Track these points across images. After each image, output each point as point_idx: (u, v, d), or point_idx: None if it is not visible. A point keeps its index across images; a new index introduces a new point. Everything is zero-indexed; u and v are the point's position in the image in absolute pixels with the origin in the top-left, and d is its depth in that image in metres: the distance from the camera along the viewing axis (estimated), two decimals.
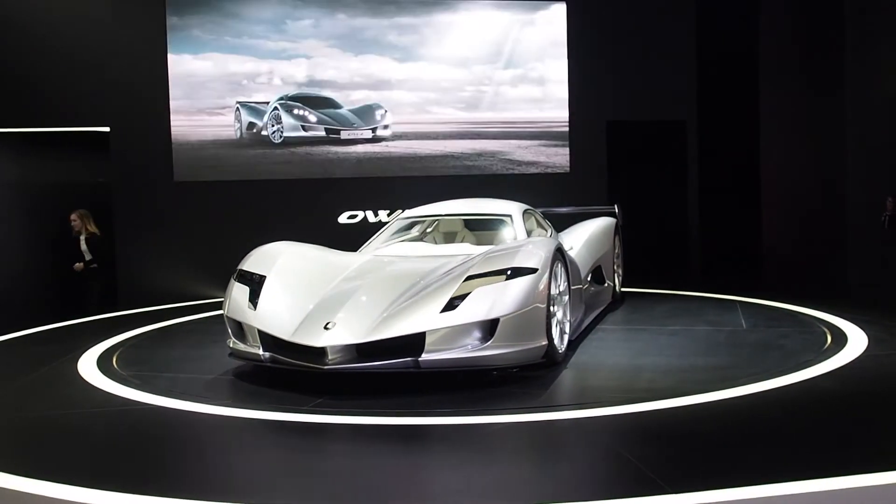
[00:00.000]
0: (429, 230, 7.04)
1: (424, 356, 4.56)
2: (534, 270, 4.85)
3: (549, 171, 10.38)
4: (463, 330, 4.61)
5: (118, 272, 9.36)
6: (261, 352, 4.91)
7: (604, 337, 6.17)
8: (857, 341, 5.69)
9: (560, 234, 7.46)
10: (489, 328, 4.64)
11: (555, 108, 10.44)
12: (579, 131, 10.48)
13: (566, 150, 10.45)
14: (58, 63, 9.25)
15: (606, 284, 7.37)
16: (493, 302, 4.66)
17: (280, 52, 9.72)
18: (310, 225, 9.26)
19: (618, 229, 8.06)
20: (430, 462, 3.70)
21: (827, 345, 5.63)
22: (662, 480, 3.12)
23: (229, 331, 5.22)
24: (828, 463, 3.26)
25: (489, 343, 4.62)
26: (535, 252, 5.01)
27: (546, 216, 8.04)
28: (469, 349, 4.61)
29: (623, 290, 8.09)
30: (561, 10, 10.38)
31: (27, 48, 9.17)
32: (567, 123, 10.39)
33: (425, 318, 4.64)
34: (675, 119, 10.74)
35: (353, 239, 7.10)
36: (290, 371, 4.79)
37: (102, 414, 4.39)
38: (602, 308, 7.17)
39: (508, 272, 4.82)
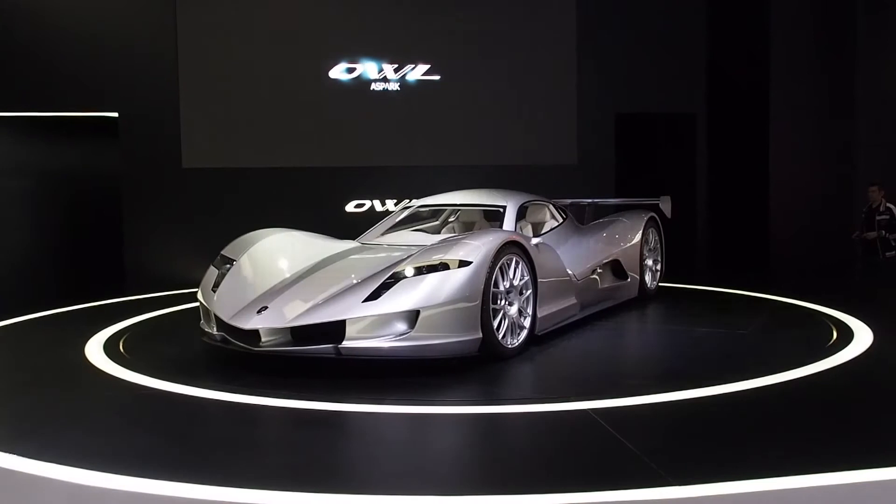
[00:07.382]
0: (450, 219, 7.10)
1: (345, 343, 4.62)
2: (468, 264, 4.82)
3: (557, 163, 10.13)
4: (384, 320, 4.63)
5: (125, 257, 9.49)
6: (214, 332, 5.21)
7: (588, 333, 5.91)
8: (862, 337, 5.43)
9: (584, 227, 7.30)
10: (412, 320, 4.63)
11: (564, 101, 10.22)
12: (588, 123, 10.23)
13: (574, 143, 10.21)
14: (67, 47, 9.16)
15: (628, 279, 7.09)
16: (416, 294, 4.64)
17: None
18: (317, 212, 9.22)
19: (655, 223, 7.73)
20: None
21: (831, 341, 5.36)
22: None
23: (200, 312, 5.56)
24: (826, 458, 3.17)
25: (410, 334, 4.64)
26: (474, 245, 4.92)
27: (586, 207, 7.89)
28: (390, 339, 4.64)
29: (662, 284, 7.78)
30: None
31: (36, 32, 9.08)
32: (576, 116, 10.21)
33: (348, 306, 4.70)
34: (685, 112, 10.52)
35: (359, 227, 7.13)
36: (244, 352, 4.95)
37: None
38: (617, 303, 6.92)
39: (440, 265, 4.82)
